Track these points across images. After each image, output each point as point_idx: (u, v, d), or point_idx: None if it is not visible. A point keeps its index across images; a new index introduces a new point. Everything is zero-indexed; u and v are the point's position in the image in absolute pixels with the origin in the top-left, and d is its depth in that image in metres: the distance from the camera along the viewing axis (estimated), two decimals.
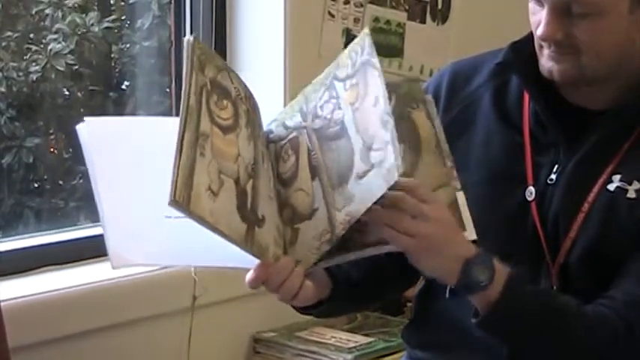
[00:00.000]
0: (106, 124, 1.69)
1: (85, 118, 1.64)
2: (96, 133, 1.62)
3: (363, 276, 1.77)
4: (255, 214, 1.56)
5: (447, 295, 1.70)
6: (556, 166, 1.76)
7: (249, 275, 1.59)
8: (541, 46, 1.73)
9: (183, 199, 1.44)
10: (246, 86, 1.66)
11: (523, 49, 1.79)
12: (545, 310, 1.66)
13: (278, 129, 1.69)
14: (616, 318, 1.66)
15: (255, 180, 1.58)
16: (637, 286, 1.68)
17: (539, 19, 1.70)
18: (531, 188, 1.76)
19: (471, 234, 1.64)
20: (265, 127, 1.70)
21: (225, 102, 1.59)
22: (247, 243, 1.53)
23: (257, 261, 1.57)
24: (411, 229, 1.56)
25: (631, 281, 1.68)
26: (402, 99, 1.67)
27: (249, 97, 1.65)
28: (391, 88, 1.64)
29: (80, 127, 1.63)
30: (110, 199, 1.60)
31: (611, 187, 1.72)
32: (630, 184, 1.71)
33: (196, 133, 1.50)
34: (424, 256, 1.60)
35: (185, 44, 1.56)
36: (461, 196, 1.66)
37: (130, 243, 1.58)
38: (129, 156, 1.61)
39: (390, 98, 1.61)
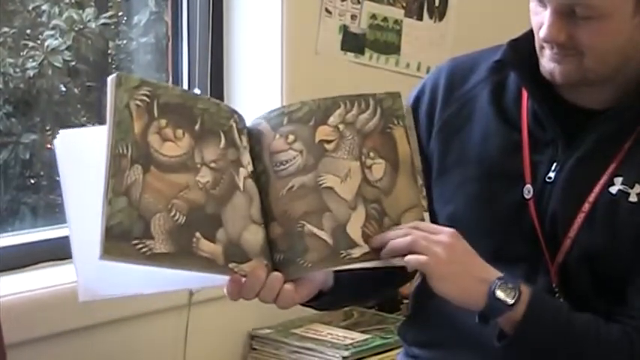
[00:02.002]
0: (79, 137, 1.64)
1: (60, 131, 1.60)
2: (68, 150, 1.59)
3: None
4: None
5: (478, 320, 1.66)
6: (554, 165, 1.75)
7: (225, 291, 1.59)
8: (542, 47, 1.72)
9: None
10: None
11: (522, 47, 1.78)
12: (568, 328, 1.66)
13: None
14: (636, 336, 1.66)
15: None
16: None
17: (541, 20, 1.69)
18: (529, 186, 1.76)
19: None
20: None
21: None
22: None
23: (227, 278, 1.57)
24: (426, 247, 1.59)
25: None
26: (385, 113, 1.68)
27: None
28: (376, 101, 1.67)
29: (56, 143, 1.59)
30: (80, 226, 1.56)
31: (614, 189, 1.71)
32: (632, 188, 1.71)
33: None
34: (445, 279, 1.61)
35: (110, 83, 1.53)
36: (426, 217, 1.68)
37: (101, 274, 1.54)
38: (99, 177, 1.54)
39: (375, 112, 1.65)
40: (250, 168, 1.63)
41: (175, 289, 1.60)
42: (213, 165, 1.58)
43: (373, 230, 1.63)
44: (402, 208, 1.65)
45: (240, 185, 1.60)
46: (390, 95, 1.69)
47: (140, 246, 1.48)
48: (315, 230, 1.61)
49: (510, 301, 1.61)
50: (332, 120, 1.66)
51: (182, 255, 1.51)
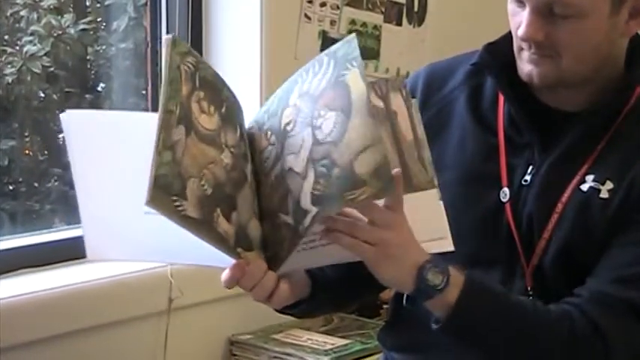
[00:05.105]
0: (91, 118, 1.68)
1: (68, 111, 1.63)
2: (79, 126, 1.62)
3: (340, 275, 1.77)
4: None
5: (405, 303, 1.68)
6: (530, 168, 1.76)
7: (224, 275, 1.59)
8: (521, 49, 1.73)
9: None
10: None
11: (498, 51, 1.79)
12: (504, 309, 1.66)
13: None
14: (577, 314, 1.66)
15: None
16: (601, 284, 1.68)
17: (519, 20, 1.70)
18: (505, 189, 1.76)
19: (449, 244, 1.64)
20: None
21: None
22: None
23: (232, 260, 1.57)
24: (372, 236, 1.55)
25: (596, 279, 1.69)
26: (339, 62, 1.58)
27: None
28: (330, 56, 1.59)
29: (64, 117, 1.62)
30: (89, 192, 1.60)
31: (584, 187, 1.72)
32: (603, 184, 1.72)
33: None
34: (383, 263, 1.58)
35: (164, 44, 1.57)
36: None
37: (108, 237, 1.59)
38: (111, 150, 1.60)
39: (328, 67, 1.59)
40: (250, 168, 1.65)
41: (175, 262, 1.59)
42: (232, 150, 1.60)
43: (322, 188, 1.54)
44: (355, 150, 1.52)
45: (249, 178, 1.62)
46: (346, 42, 1.59)
47: (178, 204, 1.48)
48: (284, 217, 1.58)
49: (440, 285, 1.59)
50: (292, 99, 1.63)
51: (205, 225, 1.52)
